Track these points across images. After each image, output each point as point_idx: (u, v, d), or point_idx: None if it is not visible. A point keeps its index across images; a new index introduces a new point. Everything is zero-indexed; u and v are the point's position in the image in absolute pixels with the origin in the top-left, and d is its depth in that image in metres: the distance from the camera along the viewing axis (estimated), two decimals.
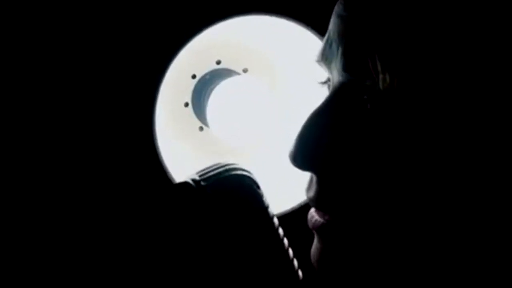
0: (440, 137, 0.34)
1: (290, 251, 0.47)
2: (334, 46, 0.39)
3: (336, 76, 0.39)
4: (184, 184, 0.45)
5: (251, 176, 0.45)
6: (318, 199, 0.40)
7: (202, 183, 0.44)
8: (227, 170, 0.45)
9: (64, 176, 0.68)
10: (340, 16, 0.38)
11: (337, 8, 0.39)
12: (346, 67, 0.37)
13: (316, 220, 0.41)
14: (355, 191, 0.37)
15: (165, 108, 0.70)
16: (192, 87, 0.73)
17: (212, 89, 0.71)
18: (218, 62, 0.73)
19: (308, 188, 0.41)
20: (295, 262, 0.47)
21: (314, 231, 0.42)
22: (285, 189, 0.71)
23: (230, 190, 0.44)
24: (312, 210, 0.42)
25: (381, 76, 0.34)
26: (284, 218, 0.67)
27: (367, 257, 0.39)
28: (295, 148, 0.39)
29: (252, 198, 0.44)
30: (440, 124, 0.34)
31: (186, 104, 0.74)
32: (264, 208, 0.44)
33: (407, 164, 0.35)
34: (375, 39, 0.35)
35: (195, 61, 0.72)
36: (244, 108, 0.69)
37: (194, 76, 0.73)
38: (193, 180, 0.45)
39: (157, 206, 0.44)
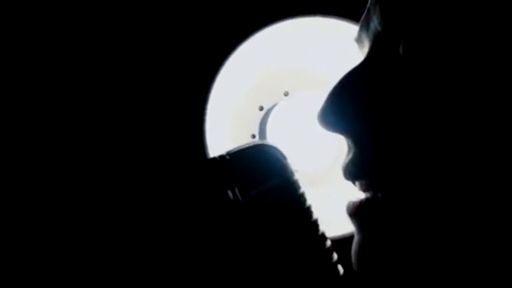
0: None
1: (326, 238, 0.42)
2: (372, 9, 0.36)
3: (372, 33, 0.36)
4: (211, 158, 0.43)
5: (277, 147, 0.43)
6: (356, 164, 0.35)
7: (225, 154, 0.43)
8: (252, 143, 0.43)
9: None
10: None
11: None
12: (383, 19, 0.34)
13: (354, 203, 0.36)
14: (397, 151, 0.33)
15: (233, 139, 0.71)
16: (259, 119, 0.73)
17: None
18: (286, 94, 0.73)
19: (346, 158, 0.37)
20: (331, 252, 0.42)
21: (354, 220, 0.37)
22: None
23: (250, 157, 0.41)
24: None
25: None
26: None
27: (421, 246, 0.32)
28: (326, 106, 0.35)
29: (274, 165, 0.41)
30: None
31: (253, 136, 0.74)
32: (288, 175, 0.41)
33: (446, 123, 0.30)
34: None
35: (263, 92, 0.72)
36: (305, 130, 0.67)
37: (261, 108, 0.73)
38: (220, 155, 0.43)
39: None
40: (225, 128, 0.70)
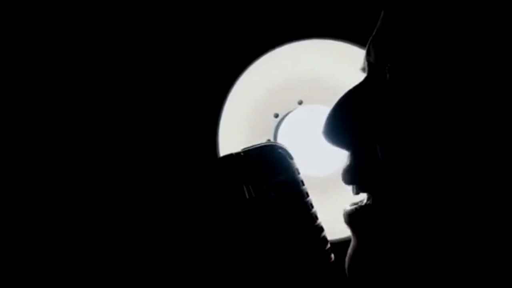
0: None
1: (323, 229, 0.48)
2: (369, 48, 0.43)
3: (369, 64, 0.42)
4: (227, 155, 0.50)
5: (285, 148, 0.49)
6: (350, 171, 0.42)
7: (240, 151, 0.49)
8: (264, 143, 0.50)
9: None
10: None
11: None
12: (376, 55, 0.41)
13: (346, 212, 0.42)
14: (382, 162, 0.38)
15: (249, 143, 0.76)
16: (274, 125, 0.80)
17: None
18: (300, 103, 0.79)
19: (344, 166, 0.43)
20: (326, 241, 0.47)
21: (348, 227, 0.43)
22: None
23: (262, 154, 0.48)
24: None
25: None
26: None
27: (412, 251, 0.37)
28: (327, 124, 0.42)
29: (282, 163, 0.47)
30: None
31: (268, 141, 0.79)
32: (294, 172, 0.47)
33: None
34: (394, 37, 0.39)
35: (278, 100, 0.79)
36: (315, 137, 0.72)
37: (276, 115, 0.80)
38: (235, 152, 0.50)
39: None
40: (242, 133, 0.76)
